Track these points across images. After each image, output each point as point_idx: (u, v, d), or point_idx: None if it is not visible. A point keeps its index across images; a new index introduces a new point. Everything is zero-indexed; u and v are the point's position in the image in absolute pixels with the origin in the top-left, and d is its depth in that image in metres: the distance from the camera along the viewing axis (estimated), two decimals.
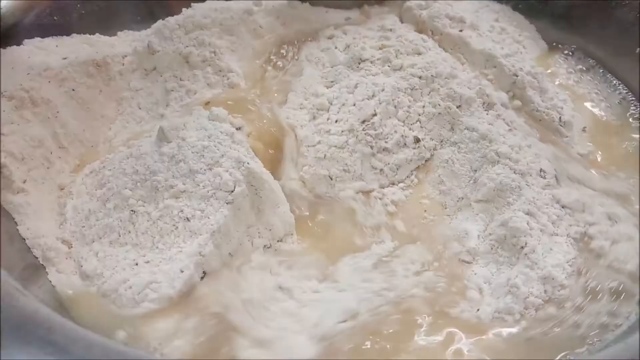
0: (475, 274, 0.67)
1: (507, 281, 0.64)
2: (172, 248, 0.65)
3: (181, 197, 0.67)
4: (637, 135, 0.84)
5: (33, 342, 0.39)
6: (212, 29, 0.87)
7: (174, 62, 0.85)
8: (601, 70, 0.94)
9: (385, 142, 0.77)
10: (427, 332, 0.60)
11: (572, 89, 0.92)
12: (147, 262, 0.64)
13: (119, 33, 0.92)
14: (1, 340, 0.38)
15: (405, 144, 0.77)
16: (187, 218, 0.66)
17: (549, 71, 0.94)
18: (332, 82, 0.85)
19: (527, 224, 0.66)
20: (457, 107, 0.78)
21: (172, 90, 0.84)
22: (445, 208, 0.74)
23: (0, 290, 0.46)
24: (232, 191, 0.66)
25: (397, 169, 0.77)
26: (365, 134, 0.76)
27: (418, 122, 0.78)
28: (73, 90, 0.80)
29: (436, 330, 0.60)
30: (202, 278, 0.64)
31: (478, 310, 0.62)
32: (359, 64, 0.86)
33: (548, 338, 0.60)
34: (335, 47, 0.91)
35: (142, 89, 0.86)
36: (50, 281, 0.64)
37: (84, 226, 0.69)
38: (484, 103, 0.79)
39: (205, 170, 0.67)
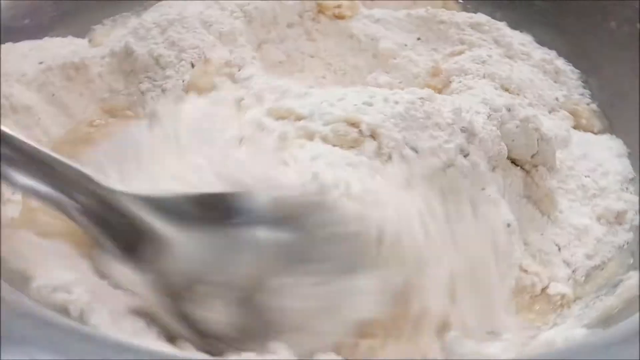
0: None
1: None
2: None
3: None
4: None
5: (33, 340, 0.37)
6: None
7: (148, 63, 0.82)
8: None
9: None
10: None
11: None
12: None
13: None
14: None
15: None
16: None
17: None
18: None
19: None
20: None
21: (148, 91, 0.82)
22: None
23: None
24: None
25: None
26: None
27: None
28: (53, 95, 0.77)
29: None
30: None
31: None
32: None
33: None
34: None
35: (122, 90, 0.83)
36: None
37: None
38: None
39: None
